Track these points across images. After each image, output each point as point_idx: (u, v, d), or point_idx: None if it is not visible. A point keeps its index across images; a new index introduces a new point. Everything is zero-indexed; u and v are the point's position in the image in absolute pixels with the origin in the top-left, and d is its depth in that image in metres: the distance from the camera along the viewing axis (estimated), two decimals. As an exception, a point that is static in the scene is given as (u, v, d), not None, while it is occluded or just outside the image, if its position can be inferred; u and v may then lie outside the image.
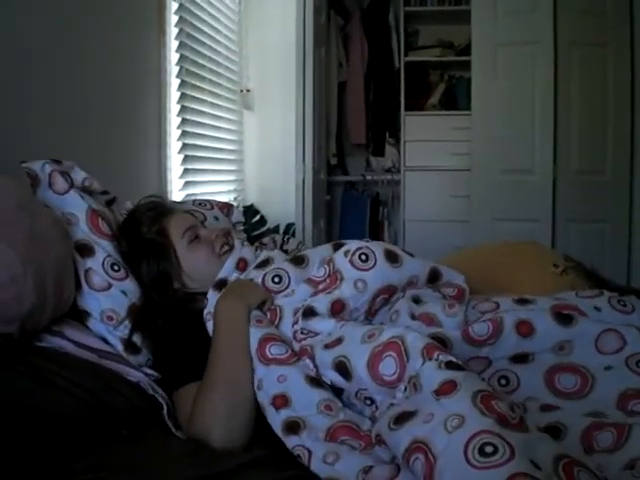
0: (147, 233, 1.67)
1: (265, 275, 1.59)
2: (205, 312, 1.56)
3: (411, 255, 1.65)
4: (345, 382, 1.29)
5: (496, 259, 2.15)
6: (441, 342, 1.32)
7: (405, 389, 1.18)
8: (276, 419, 1.27)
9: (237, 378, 1.36)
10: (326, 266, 1.58)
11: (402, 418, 1.08)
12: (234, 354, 1.40)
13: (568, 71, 4.31)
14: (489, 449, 0.91)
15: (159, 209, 1.76)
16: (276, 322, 1.50)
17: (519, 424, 0.99)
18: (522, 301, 1.57)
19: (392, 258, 1.57)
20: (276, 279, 1.59)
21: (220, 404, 1.33)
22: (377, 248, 1.57)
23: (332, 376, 1.31)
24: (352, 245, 1.58)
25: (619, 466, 1.06)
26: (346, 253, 1.56)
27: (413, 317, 1.48)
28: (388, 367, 1.21)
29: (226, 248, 1.74)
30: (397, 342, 1.23)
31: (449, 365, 1.13)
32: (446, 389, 1.06)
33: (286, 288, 1.58)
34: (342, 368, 1.29)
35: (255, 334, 1.42)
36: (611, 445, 1.09)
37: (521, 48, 4.38)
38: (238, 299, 1.50)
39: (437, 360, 1.14)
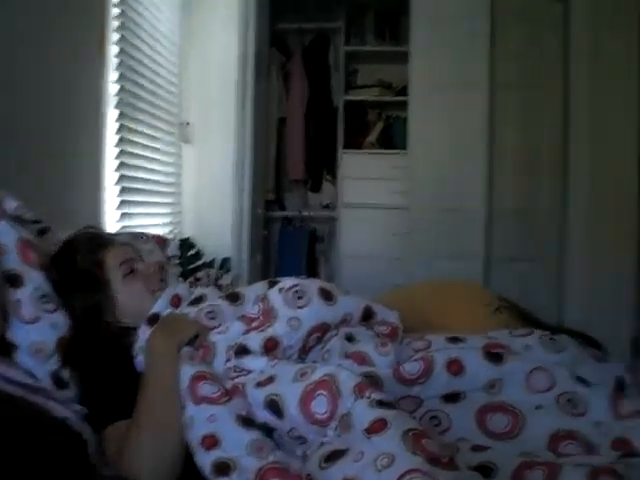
0: (82, 263, 1.64)
1: (200, 311, 1.58)
2: (136, 346, 1.54)
3: (346, 293, 1.66)
4: (277, 420, 1.28)
5: (430, 304, 2.16)
6: (372, 381, 1.33)
7: (336, 428, 1.17)
8: (206, 460, 1.25)
9: (166, 422, 1.35)
10: (260, 303, 1.58)
11: (333, 457, 1.08)
12: (163, 395, 1.38)
13: (503, 112, 4.46)
14: None
15: (97, 240, 1.73)
16: (209, 359, 1.49)
17: (449, 463, 0.99)
18: (454, 339, 1.59)
19: (326, 296, 1.58)
20: (210, 315, 1.58)
21: (148, 447, 1.31)
22: (312, 286, 1.57)
23: (263, 415, 1.31)
24: (287, 282, 1.59)
25: (550, 505, 1.07)
26: (280, 290, 1.57)
27: (346, 356, 1.48)
28: (320, 405, 1.22)
29: (162, 285, 1.72)
30: (329, 381, 1.23)
31: (380, 404, 1.13)
32: (377, 427, 1.06)
33: (220, 325, 1.57)
34: (274, 406, 1.28)
35: (187, 372, 1.41)
36: (542, 484, 1.11)
37: (457, 89, 4.49)
38: (169, 336, 1.49)
39: (369, 398, 1.15)
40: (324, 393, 1.22)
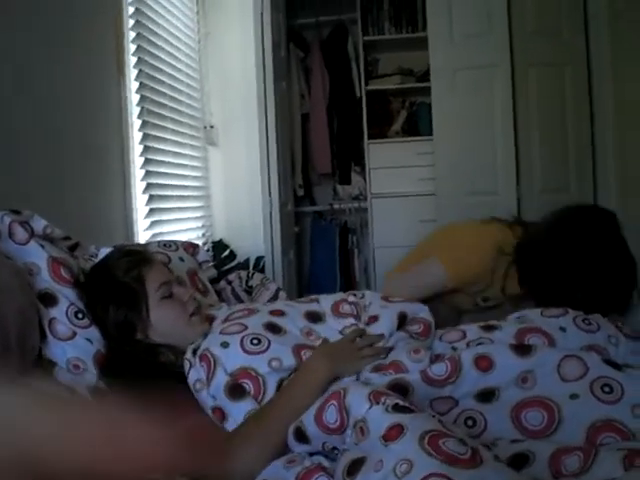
0: (124, 277, 1.64)
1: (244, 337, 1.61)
2: (193, 380, 1.54)
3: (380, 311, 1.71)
4: (308, 446, 1.30)
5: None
6: (402, 387, 1.35)
7: (351, 434, 1.18)
8: None
9: (280, 442, 1.35)
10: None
11: (353, 468, 1.08)
12: (289, 420, 1.35)
13: (526, 92, 4.37)
14: None
15: (138, 256, 1.73)
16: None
17: (470, 459, 0.98)
18: (488, 328, 1.59)
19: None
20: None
21: (256, 460, 1.32)
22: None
23: (300, 448, 1.31)
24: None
25: (586, 489, 1.07)
26: None
27: (378, 369, 1.50)
28: (331, 415, 1.23)
29: (196, 312, 1.72)
30: (339, 391, 1.25)
31: (395, 408, 1.13)
32: (393, 434, 1.06)
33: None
34: (299, 433, 1.30)
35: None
36: (578, 469, 1.10)
37: (479, 71, 4.43)
38: (328, 369, 1.49)
39: (384, 404, 1.15)
40: (333, 403, 1.23)
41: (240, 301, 2.20)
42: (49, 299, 1.54)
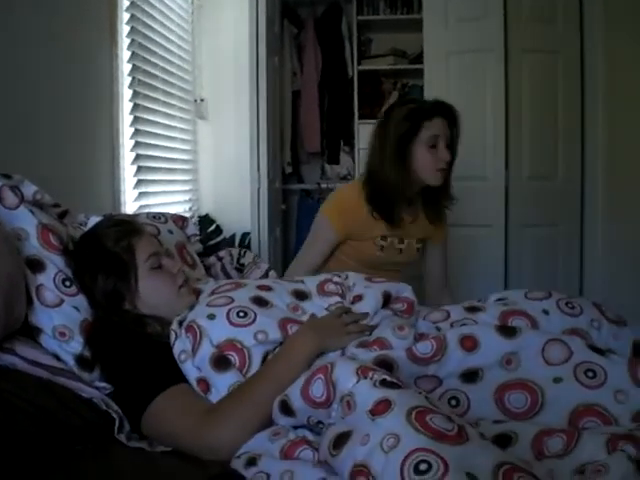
0: (114, 247, 1.62)
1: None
2: (179, 351, 1.53)
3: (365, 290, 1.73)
4: (294, 419, 1.29)
5: None
6: (387, 364, 1.35)
7: (337, 408, 1.18)
8: (238, 463, 1.25)
9: (267, 412, 1.34)
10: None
11: (339, 441, 1.09)
12: (276, 391, 1.35)
13: (519, 78, 4.35)
14: (423, 466, 0.92)
15: (129, 226, 1.71)
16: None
17: (457, 435, 0.99)
18: (472, 309, 1.61)
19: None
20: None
21: (242, 425, 1.32)
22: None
23: (284, 420, 1.31)
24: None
25: (569, 471, 1.07)
26: None
27: (363, 345, 1.50)
28: (317, 389, 1.23)
29: (184, 285, 1.72)
30: (326, 366, 1.25)
31: (383, 383, 1.13)
32: (381, 409, 1.06)
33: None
34: (285, 406, 1.30)
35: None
36: (561, 450, 1.11)
37: (472, 55, 4.42)
38: (316, 344, 1.49)
39: (372, 379, 1.15)
40: (321, 377, 1.23)
41: (229, 278, 2.19)
42: (37, 265, 1.54)
